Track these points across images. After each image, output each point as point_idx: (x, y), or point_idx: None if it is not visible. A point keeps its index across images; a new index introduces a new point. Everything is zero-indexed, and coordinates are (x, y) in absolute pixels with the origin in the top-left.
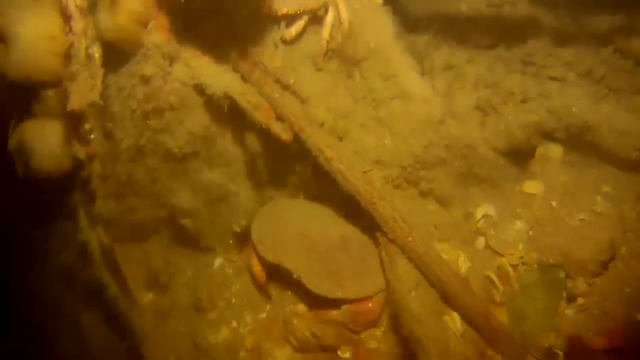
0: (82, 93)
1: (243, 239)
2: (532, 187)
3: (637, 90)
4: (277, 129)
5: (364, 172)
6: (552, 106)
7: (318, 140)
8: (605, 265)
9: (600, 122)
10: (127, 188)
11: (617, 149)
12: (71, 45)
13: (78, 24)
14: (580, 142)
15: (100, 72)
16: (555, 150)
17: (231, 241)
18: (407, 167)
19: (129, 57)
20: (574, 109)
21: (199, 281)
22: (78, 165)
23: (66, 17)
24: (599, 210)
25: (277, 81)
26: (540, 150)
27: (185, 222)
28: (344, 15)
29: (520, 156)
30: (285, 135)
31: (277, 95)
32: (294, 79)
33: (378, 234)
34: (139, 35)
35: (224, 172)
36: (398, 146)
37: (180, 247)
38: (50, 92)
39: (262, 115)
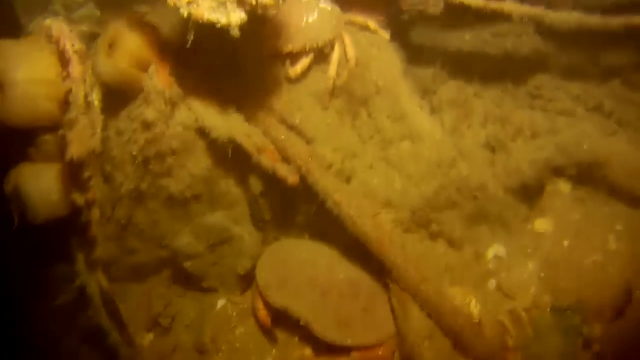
0: (82, 141)
1: (247, 280)
2: (542, 225)
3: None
4: (283, 172)
5: (373, 216)
6: (562, 142)
7: (326, 184)
8: (621, 310)
9: (611, 159)
10: (126, 230)
11: (629, 187)
12: (69, 91)
13: (76, 69)
14: (590, 178)
15: (99, 119)
16: (564, 186)
17: (234, 282)
18: (418, 211)
19: (128, 100)
20: (585, 146)
21: (201, 323)
22: (76, 211)
23: (64, 61)
24: (612, 250)
25: (283, 121)
26: (549, 186)
27: (187, 264)
28: (351, 52)
29: (529, 193)
30: (292, 179)
31: (283, 136)
32: (299, 118)
33: (389, 281)
34: (139, 78)
35: (227, 215)
36: (408, 189)
37: (181, 287)
38: (47, 137)
39: (267, 160)
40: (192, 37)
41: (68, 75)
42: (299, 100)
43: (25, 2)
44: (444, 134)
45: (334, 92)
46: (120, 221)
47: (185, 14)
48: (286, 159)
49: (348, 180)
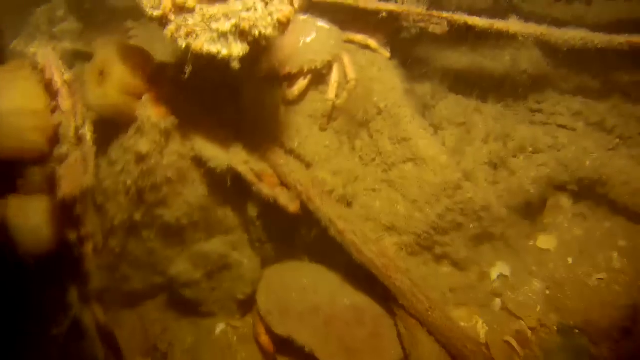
0: (74, 178)
1: (247, 304)
2: (545, 242)
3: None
4: (284, 200)
5: (376, 240)
6: (564, 159)
7: (329, 211)
8: (628, 330)
9: (614, 177)
10: (120, 259)
11: (632, 205)
12: (59, 124)
13: (66, 101)
14: (591, 193)
15: (92, 153)
16: (565, 202)
17: (234, 306)
18: (422, 234)
19: (120, 129)
20: (587, 163)
21: (200, 349)
22: (69, 246)
23: (52, 92)
24: (616, 268)
25: (281, 145)
26: (550, 201)
27: (185, 291)
28: (351, 73)
29: (532, 210)
30: (293, 207)
31: (282, 161)
32: (298, 142)
33: (395, 308)
34: (132, 108)
35: (225, 241)
36: (413, 213)
37: (178, 311)
38: (36, 169)
39: (268, 189)
40: (190, 69)
41: (57, 108)
42: (297, 123)
43: (7, 16)
44: (448, 156)
45: (333, 115)
46: (114, 250)
47: (184, 46)
48: (286, 185)
49: (350, 204)
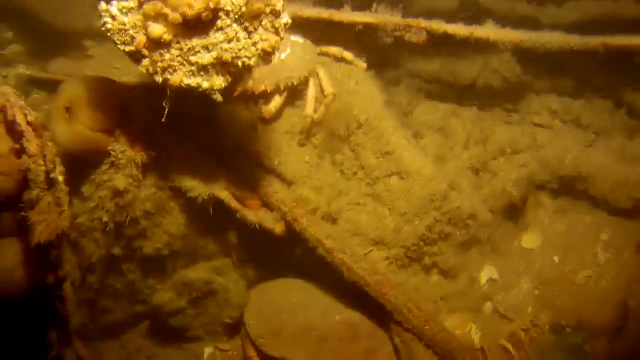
0: (48, 222)
1: (234, 326)
2: (529, 241)
3: (620, 130)
4: (269, 224)
5: (365, 254)
6: (544, 158)
7: (316, 231)
8: (620, 323)
9: (593, 173)
10: (100, 293)
11: (612, 199)
12: (27, 169)
13: (33, 144)
14: (571, 189)
15: (65, 195)
16: (546, 199)
17: (220, 330)
18: (411, 247)
19: (89, 164)
20: (567, 160)
21: None
22: (45, 287)
23: (15, 134)
24: (601, 263)
25: (261, 165)
26: (531, 199)
27: (170, 320)
28: (328, 87)
29: (514, 210)
30: (279, 229)
31: (264, 181)
32: (277, 161)
33: (391, 324)
34: (104, 143)
35: (208, 267)
36: (401, 227)
37: (163, 338)
38: (4, 214)
39: (251, 214)
40: (168, 104)
41: (23, 151)
42: (276, 141)
43: None
44: (433, 166)
45: (312, 130)
46: (93, 286)
47: (160, 81)
48: (269, 206)
49: (334, 220)
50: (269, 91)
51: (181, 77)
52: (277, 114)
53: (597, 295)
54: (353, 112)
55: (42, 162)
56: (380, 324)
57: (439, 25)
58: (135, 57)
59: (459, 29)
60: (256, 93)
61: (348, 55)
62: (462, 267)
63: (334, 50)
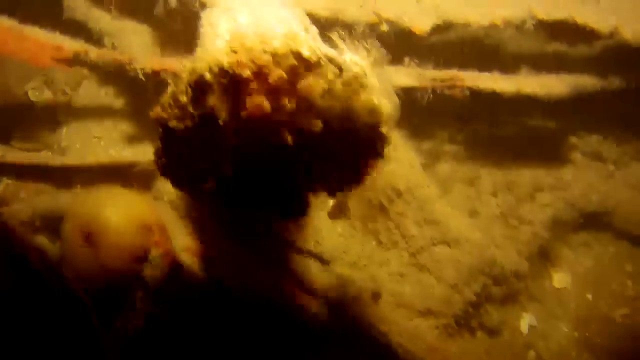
0: None
1: None
2: (560, 280)
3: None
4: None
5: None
6: (571, 198)
7: (367, 316)
8: None
9: (618, 208)
10: None
11: (637, 230)
12: None
13: None
14: (595, 224)
15: None
16: (569, 233)
17: None
18: (461, 314)
19: None
20: (593, 198)
21: None
22: None
23: None
24: (632, 296)
25: (299, 251)
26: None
27: None
28: None
29: (544, 252)
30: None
31: (301, 268)
32: (313, 242)
33: None
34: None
35: None
36: (450, 295)
37: None
38: None
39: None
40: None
41: None
42: (310, 223)
43: None
44: (481, 233)
45: (347, 205)
46: None
47: None
48: (311, 293)
49: (376, 296)
50: None
51: None
52: None
53: (635, 332)
54: (391, 182)
55: None
56: None
57: (485, 83)
58: None
59: (507, 86)
60: None
61: None
62: (503, 320)
63: None
